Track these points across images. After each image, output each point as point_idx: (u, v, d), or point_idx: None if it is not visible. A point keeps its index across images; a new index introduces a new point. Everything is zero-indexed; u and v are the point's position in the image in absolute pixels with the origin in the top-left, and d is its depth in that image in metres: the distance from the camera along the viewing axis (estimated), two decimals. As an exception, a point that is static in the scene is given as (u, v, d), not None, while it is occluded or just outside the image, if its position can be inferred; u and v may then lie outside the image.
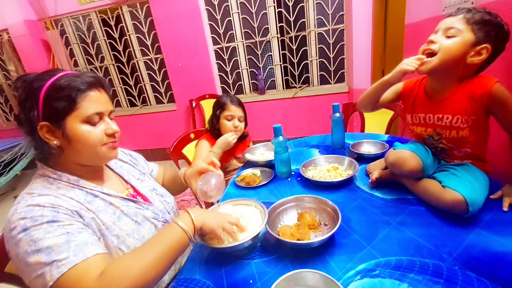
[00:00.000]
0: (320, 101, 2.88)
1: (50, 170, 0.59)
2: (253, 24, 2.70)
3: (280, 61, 2.84)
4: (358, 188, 0.89)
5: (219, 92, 3.03)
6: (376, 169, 0.92)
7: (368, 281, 0.53)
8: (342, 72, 2.83)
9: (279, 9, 2.63)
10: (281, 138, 0.97)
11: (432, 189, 0.71)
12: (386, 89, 0.83)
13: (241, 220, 0.68)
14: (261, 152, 1.28)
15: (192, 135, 1.45)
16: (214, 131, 1.25)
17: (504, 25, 0.65)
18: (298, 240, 0.64)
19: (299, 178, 1.00)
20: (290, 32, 2.72)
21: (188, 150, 1.41)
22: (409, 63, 0.71)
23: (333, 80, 2.87)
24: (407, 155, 0.74)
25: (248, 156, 1.21)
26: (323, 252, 0.61)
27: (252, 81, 3.01)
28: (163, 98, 3.16)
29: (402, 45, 1.58)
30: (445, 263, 0.55)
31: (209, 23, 2.75)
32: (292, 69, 2.91)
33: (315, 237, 0.66)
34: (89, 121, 0.57)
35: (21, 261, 0.47)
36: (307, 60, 2.81)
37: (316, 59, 2.79)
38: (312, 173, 0.99)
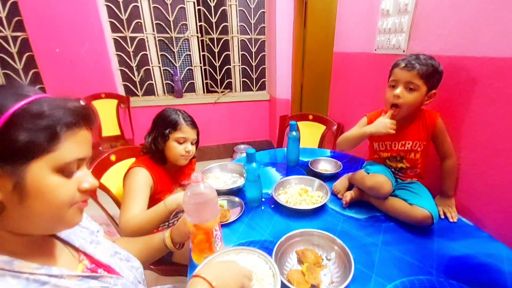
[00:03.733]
0: (242, 108, 2.99)
1: None
2: (168, 17, 2.50)
3: (201, 63, 2.76)
4: (332, 210, 0.98)
5: (121, 91, 2.60)
6: (341, 189, 1.05)
7: (391, 313, 0.60)
8: (263, 80, 3.05)
9: (199, 7, 2.56)
10: (254, 164, 0.94)
11: (400, 207, 0.88)
12: (364, 139, 0.99)
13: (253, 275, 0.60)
14: (216, 175, 1.20)
15: (112, 157, 1.16)
16: (157, 154, 1.04)
17: (442, 70, 0.89)
18: (313, 285, 0.64)
19: (273, 206, 0.99)
20: (212, 33, 2.69)
21: (109, 179, 1.12)
22: (390, 127, 0.90)
23: (255, 87, 3.05)
24: (383, 180, 0.90)
25: None
26: (342, 292, 0.64)
27: (166, 81, 2.76)
28: (29, 95, 2.40)
29: (330, 69, 1.89)
30: (433, 276, 0.69)
31: (106, 4, 2.32)
32: (213, 73, 2.87)
33: (324, 276, 0.68)
34: (64, 170, 0.41)
35: None
36: (230, 65, 2.86)
37: (239, 65, 2.88)
38: (284, 198, 1.01)
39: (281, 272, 0.65)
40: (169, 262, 1.07)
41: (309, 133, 1.94)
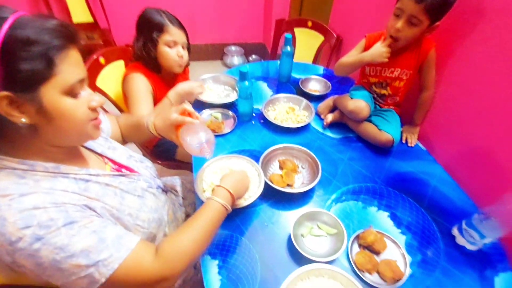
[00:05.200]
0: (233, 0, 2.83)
1: (10, 160, 0.52)
2: None
3: None
4: (314, 128, 1.25)
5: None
6: (325, 110, 1.29)
7: (340, 206, 0.93)
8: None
9: None
10: (246, 83, 1.11)
11: (371, 131, 1.15)
12: (361, 67, 1.16)
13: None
14: (209, 87, 1.37)
15: (102, 60, 1.24)
16: (151, 62, 1.15)
17: None
18: (288, 185, 0.95)
19: (262, 121, 1.24)
20: None
21: (104, 82, 1.25)
22: (386, 56, 1.04)
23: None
24: (363, 106, 1.12)
25: (200, 96, 1.29)
26: (308, 191, 0.95)
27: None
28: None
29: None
30: (377, 184, 1.03)
31: None
32: None
33: (298, 179, 1.00)
34: (71, 91, 0.52)
35: (49, 268, 0.49)
36: None
37: None
38: (273, 115, 1.24)
39: (265, 175, 0.95)
40: (173, 159, 1.39)
41: (306, 43, 2.02)
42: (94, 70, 1.22)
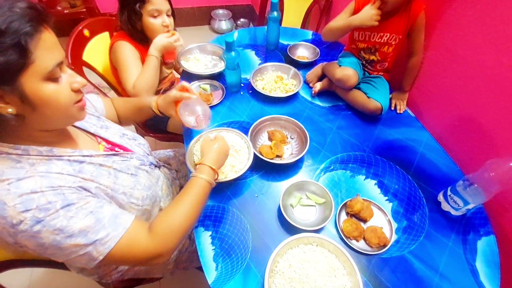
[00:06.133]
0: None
1: (4, 145, 0.52)
2: None
3: None
4: (303, 97, 1.21)
5: None
6: (314, 78, 1.25)
7: (328, 175, 0.93)
8: None
9: None
10: (233, 53, 1.04)
11: (360, 99, 1.12)
12: (349, 31, 1.11)
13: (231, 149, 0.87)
14: (196, 57, 1.30)
15: (86, 32, 1.17)
16: (136, 33, 1.09)
17: None
18: (277, 156, 0.94)
19: (250, 91, 1.19)
20: None
21: (89, 56, 1.18)
22: (375, 19, 0.99)
23: None
24: (351, 74, 1.08)
25: (187, 67, 1.21)
26: (297, 161, 0.95)
27: None
28: None
29: None
30: (365, 152, 1.02)
31: None
32: None
33: (287, 150, 0.98)
34: (51, 77, 0.50)
35: (50, 248, 0.51)
36: None
37: None
38: (261, 85, 1.20)
39: (254, 147, 0.93)
40: (165, 131, 1.37)
41: (294, 5, 1.91)
42: (79, 45, 1.16)
